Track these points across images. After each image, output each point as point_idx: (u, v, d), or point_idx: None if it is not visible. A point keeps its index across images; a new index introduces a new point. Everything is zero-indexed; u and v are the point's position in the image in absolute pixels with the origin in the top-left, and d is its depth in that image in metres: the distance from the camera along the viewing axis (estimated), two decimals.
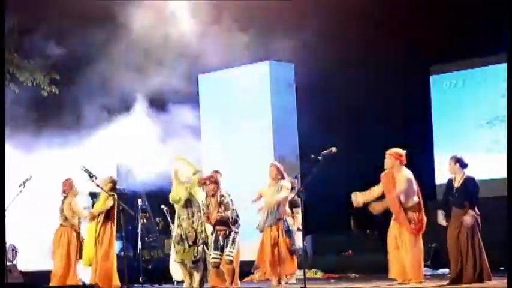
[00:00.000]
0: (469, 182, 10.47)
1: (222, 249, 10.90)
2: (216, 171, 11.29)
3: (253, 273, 14.47)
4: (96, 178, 11.90)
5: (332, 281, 13.31)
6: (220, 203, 10.87)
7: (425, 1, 14.73)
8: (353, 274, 14.08)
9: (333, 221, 14.72)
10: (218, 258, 10.90)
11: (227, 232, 10.91)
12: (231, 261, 10.97)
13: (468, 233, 10.31)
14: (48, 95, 16.49)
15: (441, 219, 10.50)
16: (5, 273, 11.90)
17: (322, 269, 13.90)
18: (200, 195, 11.18)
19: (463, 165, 10.55)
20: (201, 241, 11.00)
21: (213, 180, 10.98)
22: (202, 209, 11.10)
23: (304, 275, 10.16)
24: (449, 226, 10.51)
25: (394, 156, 10.71)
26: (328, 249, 14.59)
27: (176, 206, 11.29)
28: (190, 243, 11.02)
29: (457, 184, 10.54)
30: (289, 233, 11.31)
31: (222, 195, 10.90)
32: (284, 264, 11.27)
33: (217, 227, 10.98)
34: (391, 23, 14.67)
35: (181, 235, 11.08)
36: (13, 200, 11.94)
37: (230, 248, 10.88)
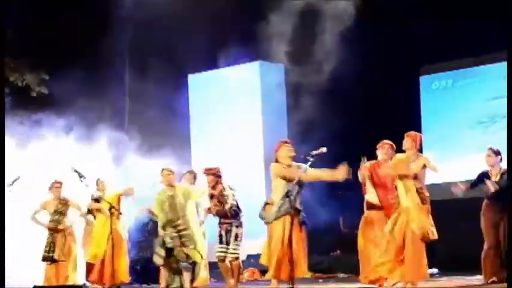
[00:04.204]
0: (508, 177, 10.32)
1: (227, 244, 10.98)
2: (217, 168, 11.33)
3: (241, 274, 14.47)
4: (85, 178, 11.99)
5: (320, 281, 13.31)
6: (218, 196, 10.95)
7: (415, 1, 14.72)
8: (341, 274, 14.09)
9: (322, 221, 14.69)
10: (222, 252, 10.95)
11: (229, 226, 10.96)
12: (235, 258, 10.97)
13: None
14: (37, 95, 16.53)
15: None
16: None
17: (310, 269, 13.86)
18: (187, 198, 11.11)
19: (501, 158, 10.47)
20: (190, 245, 10.93)
21: (210, 172, 11.08)
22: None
23: (293, 274, 10.07)
24: (490, 221, 10.38)
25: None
26: (316, 249, 14.56)
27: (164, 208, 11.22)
28: (178, 245, 10.96)
29: (494, 178, 10.43)
30: (305, 226, 10.45)
31: (221, 189, 10.95)
32: (297, 265, 10.19)
33: (221, 220, 11.09)
34: (380, 23, 14.67)
35: (163, 237, 11.07)
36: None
37: (233, 244, 10.91)
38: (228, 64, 16.57)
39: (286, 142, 10.73)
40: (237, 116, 16.59)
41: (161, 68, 16.28)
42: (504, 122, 14.59)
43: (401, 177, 9.91)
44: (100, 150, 15.28)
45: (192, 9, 15.35)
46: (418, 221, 9.74)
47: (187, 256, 10.93)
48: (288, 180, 10.27)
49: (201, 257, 11.05)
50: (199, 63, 16.94)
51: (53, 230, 12.95)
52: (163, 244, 11.04)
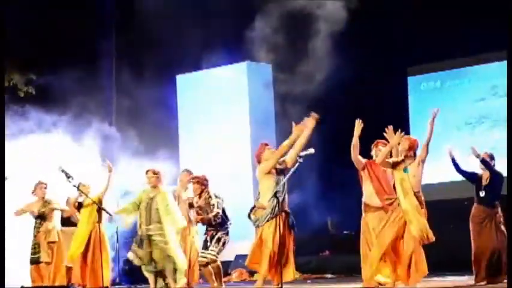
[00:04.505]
0: (497, 179, 10.45)
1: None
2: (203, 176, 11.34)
3: (230, 274, 14.49)
4: (73, 179, 11.94)
5: (309, 281, 13.32)
6: (203, 204, 10.95)
7: (403, 2, 14.75)
8: (330, 275, 14.10)
9: (310, 222, 14.71)
10: (204, 258, 10.94)
11: (214, 233, 10.95)
12: (213, 260, 10.93)
13: (502, 232, 10.33)
14: (24, 95, 16.50)
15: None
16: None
17: (299, 269, 13.87)
18: (166, 212, 11.09)
19: (494, 164, 10.55)
20: (159, 245, 10.92)
21: (196, 181, 11.07)
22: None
23: (281, 275, 10.07)
24: (478, 225, 10.47)
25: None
26: (305, 250, 14.60)
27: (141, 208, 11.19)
28: (147, 247, 10.96)
29: (485, 181, 10.52)
30: (293, 229, 10.30)
31: (207, 197, 10.95)
32: (285, 267, 10.11)
33: (208, 228, 11.10)
34: (369, 24, 14.69)
35: (141, 237, 11.05)
36: None
37: (213, 247, 10.88)
38: (216, 65, 16.56)
39: (266, 144, 10.80)
40: (225, 116, 16.58)
41: (150, 68, 16.27)
42: (490, 123, 14.74)
43: (398, 175, 9.91)
44: (88, 151, 15.23)
45: (180, 9, 15.35)
46: (416, 223, 9.70)
47: (154, 260, 10.91)
48: (279, 170, 10.28)
49: (176, 266, 10.93)
50: (187, 63, 16.92)
51: (37, 232, 12.90)
52: (141, 243, 11.01)
